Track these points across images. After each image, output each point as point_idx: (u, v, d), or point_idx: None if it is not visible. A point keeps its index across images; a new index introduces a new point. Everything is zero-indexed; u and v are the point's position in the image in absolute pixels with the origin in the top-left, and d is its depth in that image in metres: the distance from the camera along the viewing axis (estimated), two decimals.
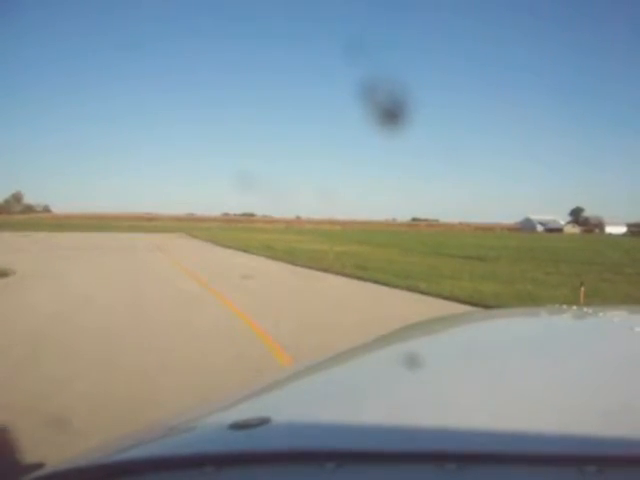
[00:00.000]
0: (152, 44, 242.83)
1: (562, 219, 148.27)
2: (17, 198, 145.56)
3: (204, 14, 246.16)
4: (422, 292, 12.86)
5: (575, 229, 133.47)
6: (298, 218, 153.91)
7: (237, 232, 63.22)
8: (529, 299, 11.49)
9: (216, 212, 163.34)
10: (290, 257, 23.48)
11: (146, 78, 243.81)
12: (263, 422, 0.83)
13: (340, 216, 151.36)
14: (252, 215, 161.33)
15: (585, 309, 1.88)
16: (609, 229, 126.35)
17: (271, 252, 26.87)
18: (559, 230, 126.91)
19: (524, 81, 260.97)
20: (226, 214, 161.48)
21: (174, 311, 10.03)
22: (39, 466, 0.93)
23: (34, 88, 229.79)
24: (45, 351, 6.76)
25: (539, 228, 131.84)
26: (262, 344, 7.34)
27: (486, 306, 10.07)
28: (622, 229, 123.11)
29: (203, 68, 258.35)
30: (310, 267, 19.54)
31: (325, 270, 18.34)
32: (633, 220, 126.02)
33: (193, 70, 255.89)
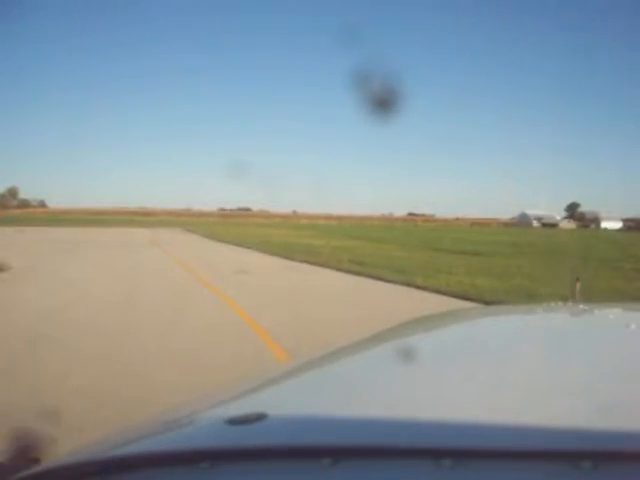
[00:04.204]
0: (147, 40, 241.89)
1: (558, 214, 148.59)
2: (13, 193, 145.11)
3: (199, 8, 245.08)
4: (418, 287, 12.88)
5: (571, 224, 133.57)
6: (295, 213, 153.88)
7: (233, 227, 63.12)
8: (525, 294, 11.52)
9: (213, 207, 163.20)
10: (287, 252, 23.47)
11: (141, 73, 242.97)
12: (260, 418, 0.83)
13: (337, 211, 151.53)
14: (248, 210, 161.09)
15: (581, 305, 1.88)
16: (605, 224, 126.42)
17: (268, 247, 26.85)
18: (555, 225, 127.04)
19: (521, 76, 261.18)
20: (222, 209, 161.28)
21: (171, 304, 10.02)
22: (35, 462, 0.93)
23: (30, 84, 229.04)
24: (39, 346, 6.74)
25: (535, 223, 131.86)
26: (264, 346, 7.34)
27: (482, 301, 10.09)
28: (618, 224, 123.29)
29: (199, 63, 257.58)
30: (307, 262, 19.55)
31: (322, 265, 18.34)
32: (628, 215, 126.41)
33: (189, 65, 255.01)
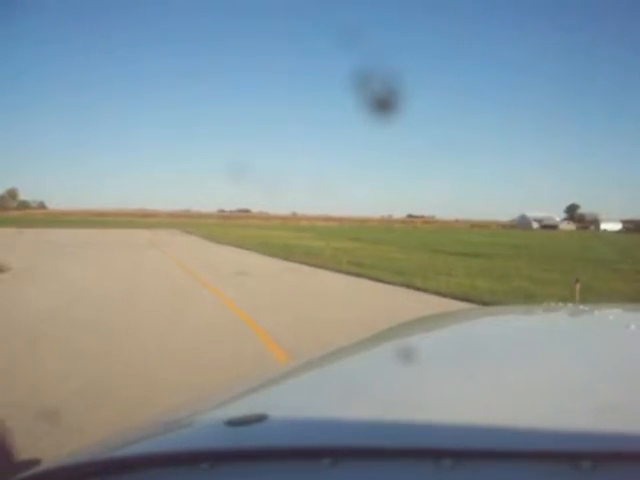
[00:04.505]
0: (147, 42, 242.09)
1: (557, 216, 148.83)
2: (12, 194, 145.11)
3: (199, 11, 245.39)
4: (418, 288, 12.88)
5: (570, 226, 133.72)
6: (294, 214, 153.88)
7: (233, 228, 63.09)
8: (524, 296, 11.52)
9: (212, 208, 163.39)
10: (286, 254, 23.47)
11: (141, 75, 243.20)
12: (260, 419, 0.83)
13: (336, 213, 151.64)
14: (248, 211, 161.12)
15: (580, 306, 1.88)
16: (604, 225, 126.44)
17: (267, 248, 26.84)
18: (554, 227, 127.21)
19: (520, 78, 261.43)
20: (222, 210, 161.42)
21: (170, 305, 10.01)
22: (35, 462, 0.93)
23: (30, 85, 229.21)
24: (37, 345, 6.74)
25: (534, 225, 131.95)
26: (264, 347, 7.33)
27: (482, 303, 10.09)
28: (617, 226, 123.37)
29: (199, 65, 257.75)
30: (306, 263, 19.56)
31: (321, 267, 18.35)
32: (628, 217, 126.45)
33: (188, 66, 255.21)
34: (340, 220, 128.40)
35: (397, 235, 53.36)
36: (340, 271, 16.95)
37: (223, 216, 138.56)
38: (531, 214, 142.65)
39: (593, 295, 10.81)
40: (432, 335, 1.63)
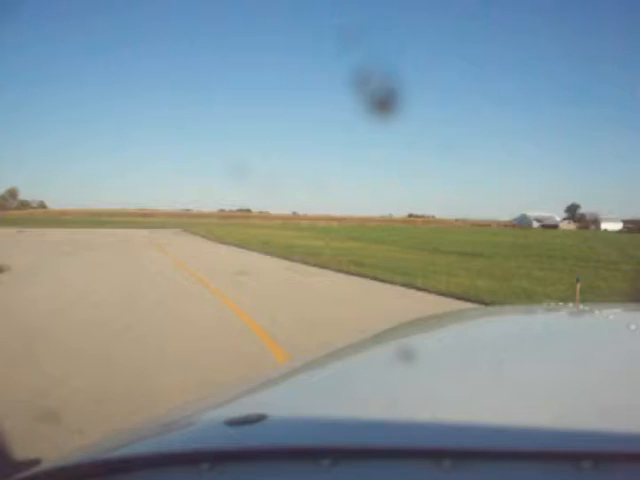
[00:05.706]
0: (147, 41, 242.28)
1: (558, 215, 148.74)
2: (12, 194, 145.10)
3: (198, 10, 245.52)
4: (418, 288, 12.89)
5: (571, 225, 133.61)
6: (294, 214, 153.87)
7: (234, 228, 63.03)
8: (525, 295, 11.51)
9: (212, 208, 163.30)
10: (287, 253, 23.48)
11: (141, 74, 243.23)
12: (260, 419, 0.83)
13: (336, 212, 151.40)
14: (248, 211, 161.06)
15: (581, 306, 1.88)
16: (605, 225, 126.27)
17: (268, 248, 26.84)
18: (555, 226, 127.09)
19: (520, 77, 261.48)
20: (222, 210, 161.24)
21: (170, 306, 10.02)
22: (35, 462, 0.93)
23: (29, 85, 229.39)
24: (36, 344, 6.74)
25: (535, 224, 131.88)
26: (265, 346, 7.33)
27: (482, 302, 10.09)
28: (618, 225, 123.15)
29: (198, 64, 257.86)
30: (307, 263, 19.57)
31: (322, 266, 18.36)
32: (629, 216, 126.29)
33: (188, 66, 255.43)
34: (340, 220, 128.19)
35: (398, 235, 53.30)
36: (342, 271, 16.96)
37: (223, 216, 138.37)
38: (531, 214, 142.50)
39: (593, 295, 10.80)
40: (432, 335, 1.63)
